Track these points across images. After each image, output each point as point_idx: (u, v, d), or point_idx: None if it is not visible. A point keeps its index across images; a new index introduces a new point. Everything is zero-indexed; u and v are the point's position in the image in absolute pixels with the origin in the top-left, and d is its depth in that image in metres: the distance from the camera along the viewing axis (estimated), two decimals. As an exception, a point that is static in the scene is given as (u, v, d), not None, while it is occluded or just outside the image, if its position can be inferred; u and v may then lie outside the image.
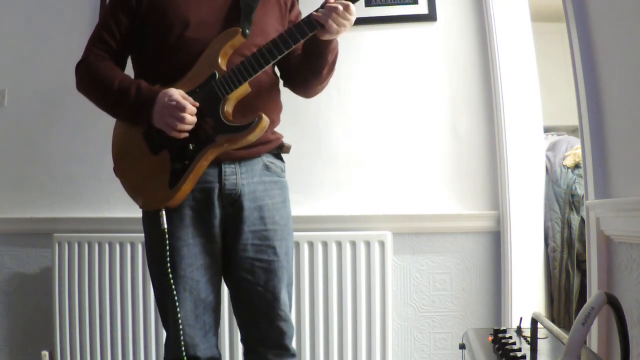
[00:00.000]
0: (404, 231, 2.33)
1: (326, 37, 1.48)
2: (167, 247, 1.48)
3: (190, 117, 1.44)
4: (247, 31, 1.51)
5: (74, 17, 2.56)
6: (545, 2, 2.91)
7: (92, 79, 1.55)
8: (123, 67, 1.61)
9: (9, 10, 2.62)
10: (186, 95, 1.46)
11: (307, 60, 1.58)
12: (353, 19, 1.47)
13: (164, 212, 1.48)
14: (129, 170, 1.54)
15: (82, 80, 1.57)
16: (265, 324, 1.56)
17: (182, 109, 1.43)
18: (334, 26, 1.43)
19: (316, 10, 1.45)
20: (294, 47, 1.46)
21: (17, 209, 2.55)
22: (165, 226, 1.47)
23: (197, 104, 1.46)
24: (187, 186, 1.47)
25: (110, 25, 1.57)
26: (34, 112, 2.58)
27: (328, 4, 1.44)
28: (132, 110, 1.50)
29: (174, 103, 1.43)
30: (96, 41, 1.58)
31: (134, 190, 1.54)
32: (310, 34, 1.45)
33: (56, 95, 2.52)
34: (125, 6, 1.56)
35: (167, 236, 1.48)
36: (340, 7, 1.42)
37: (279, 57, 1.47)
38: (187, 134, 1.46)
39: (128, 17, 1.56)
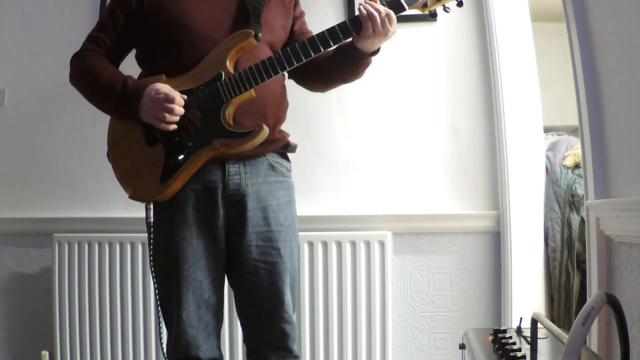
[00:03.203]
0: (404, 231, 2.33)
1: (360, 44, 1.49)
2: (152, 241, 1.49)
3: (179, 108, 1.44)
4: (260, 35, 1.51)
5: (74, 17, 2.55)
6: (545, 2, 2.91)
7: (83, 73, 1.55)
8: (117, 66, 1.61)
9: (9, 10, 2.62)
10: (172, 89, 1.46)
11: (336, 67, 1.58)
12: (392, 29, 1.48)
13: (151, 206, 1.49)
14: (123, 157, 1.54)
15: (74, 73, 1.57)
16: (268, 326, 1.56)
17: (171, 100, 1.43)
18: (369, 31, 1.45)
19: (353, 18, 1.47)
20: (321, 52, 1.47)
21: (17, 209, 2.55)
22: (151, 220, 1.49)
23: (185, 97, 1.46)
24: (177, 184, 1.48)
25: (107, 24, 1.58)
26: (34, 112, 2.58)
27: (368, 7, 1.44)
28: (119, 106, 1.51)
29: (161, 95, 1.43)
30: (92, 38, 1.59)
31: (125, 179, 1.54)
32: (344, 40, 1.47)
33: (56, 96, 2.52)
34: (125, 6, 1.56)
35: (152, 229, 1.49)
36: (383, 13, 1.45)
37: (294, 67, 1.48)
38: (175, 126, 1.45)
39: (126, 16, 1.56)
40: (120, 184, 1.55)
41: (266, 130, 1.46)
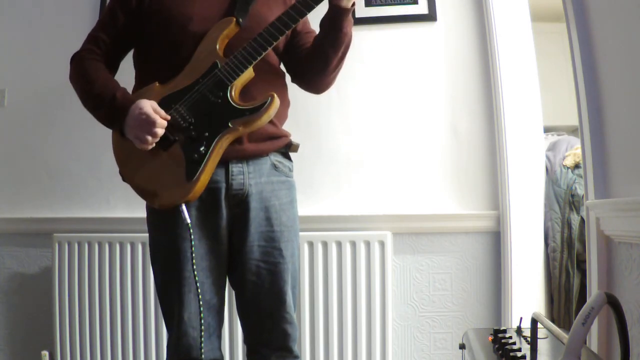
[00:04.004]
0: (404, 231, 2.33)
1: (344, 2, 1.47)
2: (192, 243, 1.45)
3: (161, 131, 1.44)
4: (241, 20, 1.51)
5: (74, 17, 2.56)
6: (545, 2, 2.91)
7: (79, 77, 1.55)
8: (116, 66, 1.62)
9: (9, 10, 2.62)
10: (158, 108, 1.45)
11: (324, 37, 1.56)
12: None
13: (184, 207, 1.45)
14: (138, 171, 1.51)
15: (73, 74, 1.58)
16: (269, 326, 1.55)
17: (152, 122, 1.43)
18: None
19: None
20: (306, 15, 1.46)
21: (17, 209, 2.55)
22: (189, 221, 1.44)
23: (169, 117, 1.46)
24: (205, 177, 1.45)
25: (107, 23, 1.58)
26: (34, 112, 2.58)
27: None
28: (106, 118, 1.51)
29: (144, 117, 1.43)
30: (92, 37, 1.59)
31: (147, 192, 1.51)
32: None
33: (56, 95, 2.52)
34: (125, 5, 1.56)
35: (191, 231, 1.45)
36: None
37: (284, 34, 1.47)
38: (153, 145, 1.45)
39: (126, 16, 1.56)
40: (144, 199, 1.52)
41: (277, 99, 1.46)
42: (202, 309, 1.46)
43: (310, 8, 1.46)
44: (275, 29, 1.46)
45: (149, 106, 1.44)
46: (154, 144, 1.46)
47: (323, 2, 1.46)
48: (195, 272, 1.45)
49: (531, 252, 2.28)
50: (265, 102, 1.45)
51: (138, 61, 1.62)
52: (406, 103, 2.38)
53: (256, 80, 1.50)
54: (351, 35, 1.56)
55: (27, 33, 2.60)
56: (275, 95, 1.46)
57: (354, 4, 1.51)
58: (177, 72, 1.50)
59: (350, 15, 1.53)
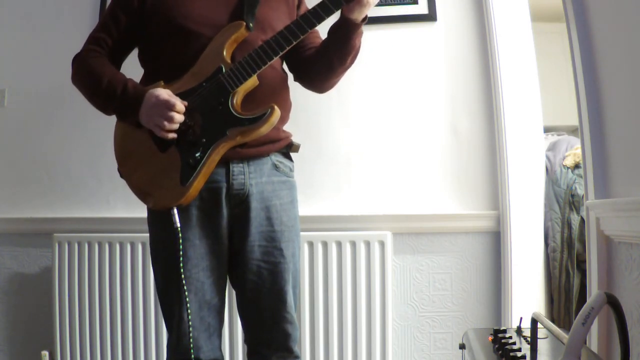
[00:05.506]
0: (404, 231, 2.33)
1: (355, 14, 1.46)
2: (181, 247, 1.45)
3: (179, 116, 1.43)
4: (251, 24, 1.50)
5: (74, 17, 2.56)
6: (545, 2, 2.91)
7: (84, 75, 1.55)
8: (118, 66, 1.61)
9: (9, 10, 2.62)
10: (173, 95, 1.45)
11: (332, 46, 1.54)
12: None
13: (176, 211, 1.45)
14: (136, 171, 1.52)
15: (76, 74, 1.57)
16: (270, 326, 1.55)
17: (171, 107, 1.42)
18: None
19: None
20: (316, 26, 1.44)
21: (17, 209, 2.55)
22: (178, 225, 1.44)
23: (186, 103, 1.45)
24: (199, 182, 1.45)
25: (108, 24, 1.58)
26: (34, 112, 2.58)
27: None
28: (119, 110, 1.51)
29: (161, 102, 1.42)
30: (93, 38, 1.59)
31: (143, 191, 1.51)
32: (336, 11, 1.44)
33: (56, 95, 2.52)
34: (126, 5, 1.56)
35: (180, 235, 1.45)
36: None
37: (292, 45, 1.45)
38: (174, 135, 1.45)
39: (128, 16, 1.56)
40: (139, 198, 1.53)
41: (278, 111, 1.45)
42: (189, 310, 1.46)
43: (320, 20, 1.44)
44: (282, 37, 1.45)
45: (164, 93, 1.44)
46: (175, 133, 1.44)
47: (334, 13, 1.45)
48: (183, 276, 1.45)
49: (531, 252, 2.28)
50: (265, 113, 1.44)
51: (143, 60, 1.62)
52: (406, 103, 2.38)
53: (259, 83, 1.49)
54: (359, 47, 1.55)
55: (27, 33, 2.60)
56: (276, 107, 1.45)
57: (365, 18, 1.51)
58: (180, 72, 1.50)
59: (361, 28, 1.52)
